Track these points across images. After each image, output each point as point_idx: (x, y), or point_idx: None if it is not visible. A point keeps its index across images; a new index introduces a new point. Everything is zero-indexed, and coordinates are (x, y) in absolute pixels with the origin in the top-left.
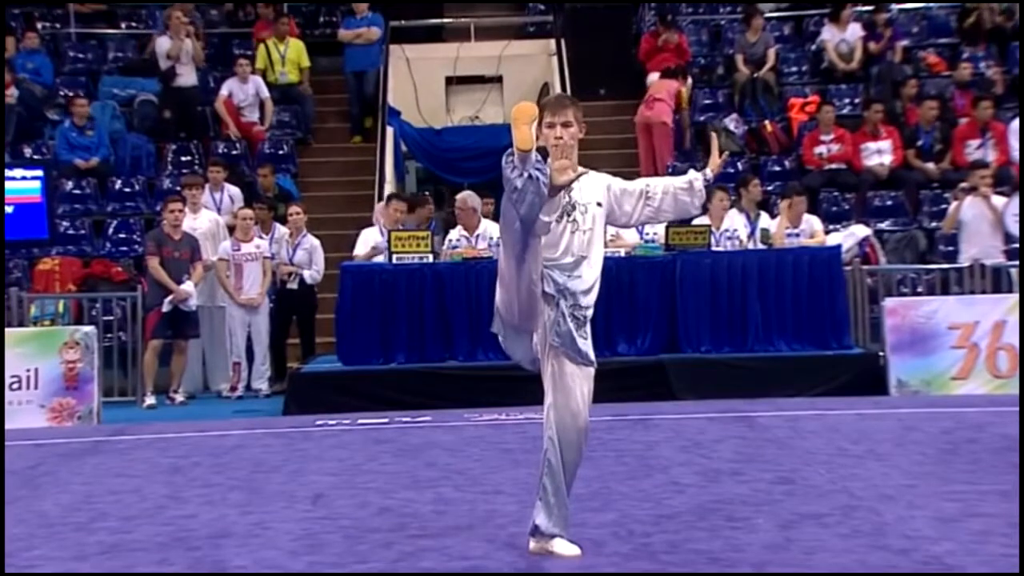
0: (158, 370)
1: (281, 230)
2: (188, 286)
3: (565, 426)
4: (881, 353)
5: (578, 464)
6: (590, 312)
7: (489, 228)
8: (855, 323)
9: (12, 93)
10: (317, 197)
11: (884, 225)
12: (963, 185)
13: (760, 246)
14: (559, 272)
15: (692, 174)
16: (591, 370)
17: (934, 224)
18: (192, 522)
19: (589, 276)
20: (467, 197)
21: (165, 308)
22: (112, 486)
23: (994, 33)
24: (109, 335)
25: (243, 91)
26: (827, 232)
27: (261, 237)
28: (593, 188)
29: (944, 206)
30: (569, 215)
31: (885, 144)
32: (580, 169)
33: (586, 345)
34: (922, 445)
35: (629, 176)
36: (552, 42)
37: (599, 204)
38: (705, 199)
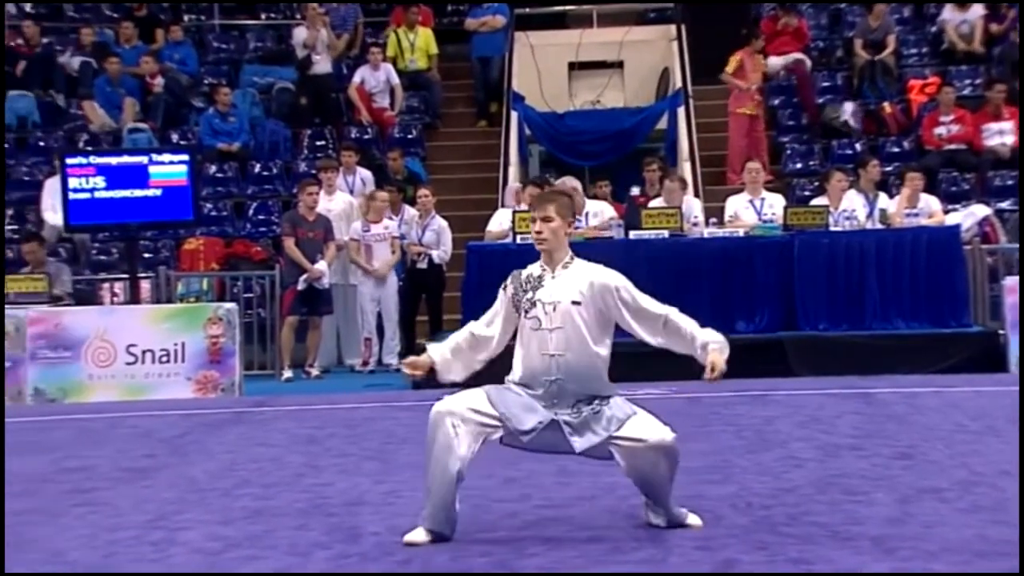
0: (294, 345)
1: (410, 212)
2: (322, 265)
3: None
4: (1001, 331)
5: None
6: (608, 396)
7: (595, 207)
8: (974, 302)
9: (159, 82)
10: (444, 180)
11: (1005, 205)
12: None
13: (879, 226)
14: (536, 381)
15: (709, 339)
16: (629, 408)
17: None
18: (328, 490)
19: (580, 365)
20: (565, 180)
21: (300, 286)
22: (254, 455)
23: None
24: (249, 311)
25: (375, 78)
26: (946, 212)
27: (391, 218)
28: (571, 284)
29: None
30: (528, 312)
31: (1007, 125)
32: (574, 261)
33: (608, 424)
34: None
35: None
36: (672, 28)
37: (575, 302)
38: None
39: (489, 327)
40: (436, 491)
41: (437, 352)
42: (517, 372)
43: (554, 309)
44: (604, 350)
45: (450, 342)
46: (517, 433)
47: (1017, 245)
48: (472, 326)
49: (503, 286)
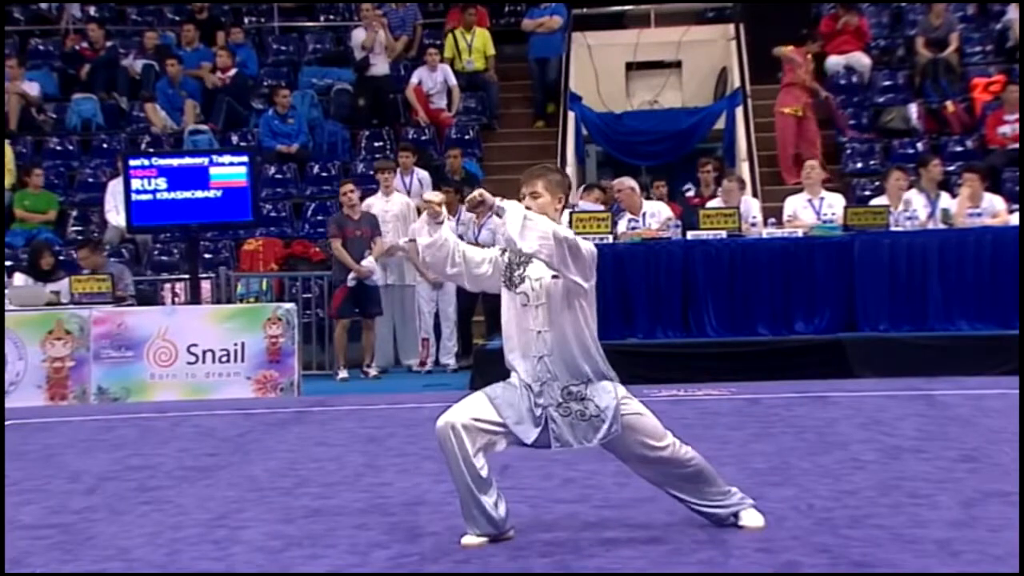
0: (350, 345)
1: (467, 212)
2: (369, 262)
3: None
4: None
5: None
6: (586, 383)
7: (653, 207)
8: None
9: (231, 74)
10: (501, 180)
11: None
12: None
13: (940, 226)
14: (525, 358)
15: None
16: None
17: None
18: (388, 489)
19: (564, 346)
20: (623, 180)
21: (350, 283)
22: (314, 454)
23: None
24: (308, 312)
25: (432, 79)
26: (1011, 211)
27: (449, 219)
28: None
29: None
30: (518, 287)
31: None
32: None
33: (596, 424)
34: None
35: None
36: (731, 27)
37: (555, 276)
38: (525, 238)
39: (472, 264)
40: (464, 500)
41: (448, 231)
42: (509, 351)
43: (540, 285)
44: (585, 326)
45: (457, 241)
46: (520, 442)
47: None
48: (467, 248)
49: (501, 250)
